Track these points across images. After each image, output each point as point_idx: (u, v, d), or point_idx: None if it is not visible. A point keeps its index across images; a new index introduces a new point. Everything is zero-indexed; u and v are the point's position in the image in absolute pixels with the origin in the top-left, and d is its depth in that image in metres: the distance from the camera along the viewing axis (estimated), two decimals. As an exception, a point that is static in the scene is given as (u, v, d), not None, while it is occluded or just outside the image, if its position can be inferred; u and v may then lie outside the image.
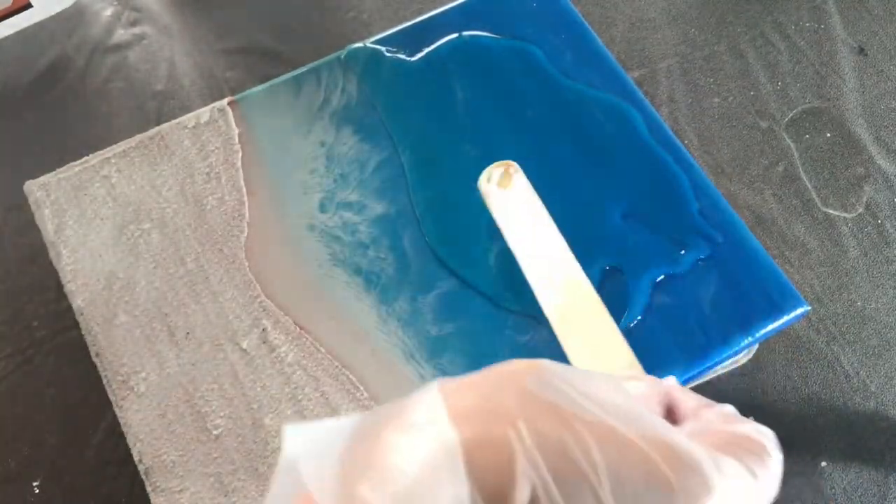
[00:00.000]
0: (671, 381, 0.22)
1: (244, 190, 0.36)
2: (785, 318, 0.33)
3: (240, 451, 0.31)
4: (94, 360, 0.33)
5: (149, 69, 0.49)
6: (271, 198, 0.36)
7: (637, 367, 0.28)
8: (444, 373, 0.32)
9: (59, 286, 0.35)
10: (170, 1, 0.52)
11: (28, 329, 0.42)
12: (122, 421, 0.32)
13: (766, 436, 0.20)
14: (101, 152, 0.37)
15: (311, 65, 0.39)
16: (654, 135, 0.36)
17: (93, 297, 0.34)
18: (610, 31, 0.49)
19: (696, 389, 0.38)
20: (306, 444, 0.16)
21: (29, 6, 0.50)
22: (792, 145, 0.45)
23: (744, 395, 0.38)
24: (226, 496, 0.31)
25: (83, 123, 0.48)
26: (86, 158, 0.37)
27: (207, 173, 0.37)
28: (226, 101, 0.38)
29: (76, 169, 0.37)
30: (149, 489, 0.31)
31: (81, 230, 0.36)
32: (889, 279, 0.41)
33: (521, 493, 0.15)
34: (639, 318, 0.33)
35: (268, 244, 0.35)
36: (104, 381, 0.33)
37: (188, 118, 0.38)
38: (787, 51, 0.48)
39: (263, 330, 0.33)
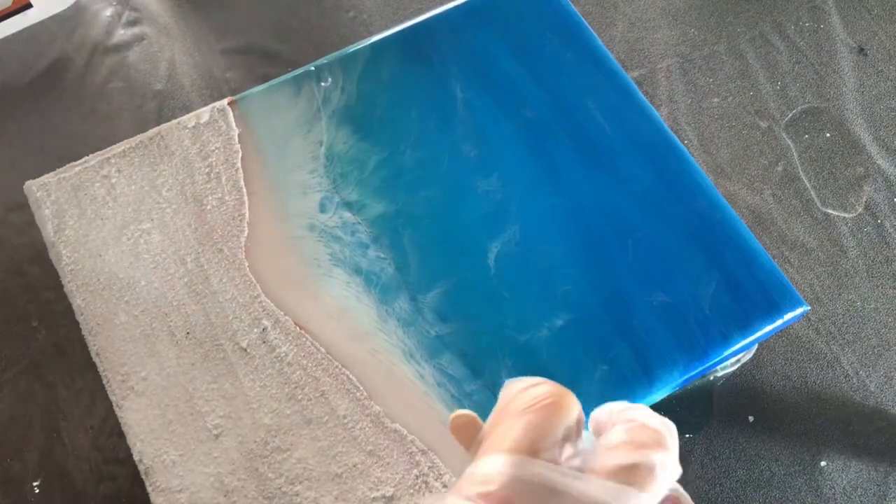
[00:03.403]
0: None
1: (244, 190, 0.36)
2: (784, 318, 0.33)
3: (240, 451, 0.31)
4: (94, 359, 0.33)
5: (149, 69, 0.49)
6: (271, 197, 0.36)
7: None
8: (444, 373, 0.32)
9: (59, 286, 0.35)
10: (170, 1, 0.52)
11: (28, 329, 0.42)
12: (122, 421, 0.32)
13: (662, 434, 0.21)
14: (100, 152, 0.37)
15: (310, 65, 0.39)
16: (654, 135, 0.37)
17: (93, 296, 0.34)
18: (610, 31, 0.49)
19: (697, 389, 0.38)
20: None
21: (29, 6, 0.50)
22: (791, 145, 0.45)
23: (743, 395, 0.38)
24: (226, 496, 0.31)
25: (83, 123, 0.48)
26: (86, 158, 0.37)
27: (207, 173, 0.37)
28: (226, 101, 0.38)
29: (76, 169, 0.37)
30: (149, 489, 0.31)
31: (81, 230, 0.36)
32: (888, 279, 0.41)
33: None
34: (639, 318, 0.33)
35: (268, 244, 0.35)
36: (104, 381, 0.33)
37: (188, 118, 0.38)
38: (786, 51, 0.48)
39: (263, 330, 0.33)
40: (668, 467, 0.21)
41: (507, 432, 0.21)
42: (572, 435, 0.21)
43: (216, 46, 0.50)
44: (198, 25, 0.51)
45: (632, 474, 0.20)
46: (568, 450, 0.21)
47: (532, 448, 0.20)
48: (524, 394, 0.21)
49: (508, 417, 0.21)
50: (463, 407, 0.31)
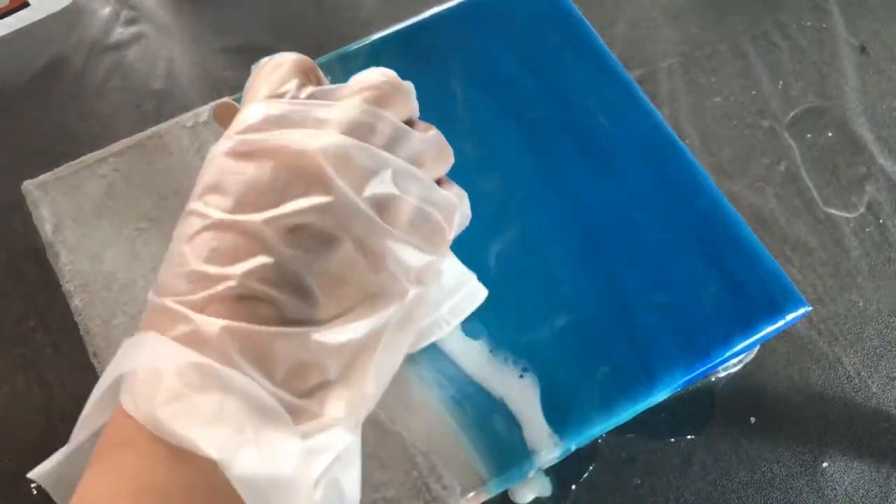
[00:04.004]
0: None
1: (243, 190, 0.36)
2: (787, 319, 0.33)
3: (238, 453, 0.31)
4: (92, 360, 0.33)
5: (147, 68, 0.49)
6: (270, 197, 0.36)
7: None
8: (444, 373, 0.32)
9: (57, 286, 0.35)
10: (168, -1, 0.52)
11: (26, 330, 0.41)
12: (119, 422, 0.32)
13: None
14: (98, 152, 0.37)
15: (310, 64, 0.39)
16: (655, 134, 0.36)
17: (91, 297, 0.34)
18: (610, 31, 0.49)
19: (698, 390, 0.38)
20: None
21: (26, 5, 0.50)
22: (793, 145, 0.45)
23: (745, 396, 0.38)
24: (224, 498, 0.31)
25: (81, 123, 0.47)
26: (83, 158, 0.37)
27: (206, 173, 0.36)
28: (224, 100, 0.38)
29: (74, 168, 0.37)
30: (147, 491, 0.31)
31: (79, 230, 0.35)
32: (891, 279, 0.41)
33: None
34: (640, 318, 0.32)
35: (267, 244, 0.35)
36: (102, 382, 0.33)
37: (187, 117, 0.38)
38: (788, 50, 0.48)
39: (262, 330, 0.33)
40: (405, 91, 0.25)
41: (256, 93, 0.24)
42: (311, 80, 0.24)
43: (215, 45, 0.50)
44: (197, 24, 0.51)
45: (374, 94, 0.23)
46: (309, 89, 0.24)
47: (274, 94, 0.23)
48: (267, 65, 0.25)
49: (254, 85, 0.25)
50: (462, 408, 0.31)
